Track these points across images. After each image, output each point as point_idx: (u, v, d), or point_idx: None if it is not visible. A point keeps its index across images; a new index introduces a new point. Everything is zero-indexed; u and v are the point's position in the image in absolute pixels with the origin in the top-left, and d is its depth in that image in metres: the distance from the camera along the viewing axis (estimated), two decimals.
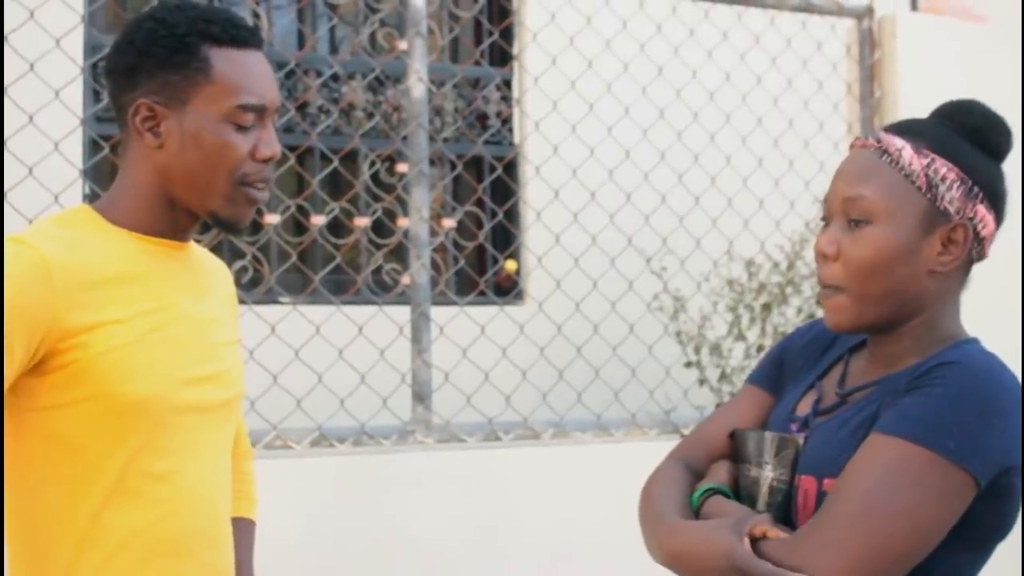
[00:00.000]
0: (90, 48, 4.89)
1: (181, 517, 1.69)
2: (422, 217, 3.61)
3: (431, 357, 3.57)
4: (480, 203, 5.87)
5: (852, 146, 1.66)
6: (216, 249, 4.90)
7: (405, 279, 4.02)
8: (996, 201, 1.61)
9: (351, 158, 5.64)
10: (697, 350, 5.44)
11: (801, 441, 1.59)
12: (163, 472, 1.67)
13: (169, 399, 1.67)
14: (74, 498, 1.64)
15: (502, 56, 6.18)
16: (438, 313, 3.72)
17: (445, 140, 5.90)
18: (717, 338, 5.50)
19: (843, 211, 1.59)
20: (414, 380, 3.56)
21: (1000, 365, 1.53)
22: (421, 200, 3.62)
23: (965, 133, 1.60)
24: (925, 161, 1.57)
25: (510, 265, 5.83)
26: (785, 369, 1.76)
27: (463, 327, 3.86)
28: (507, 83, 6.23)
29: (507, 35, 5.98)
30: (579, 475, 3.58)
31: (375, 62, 4.92)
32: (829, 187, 1.63)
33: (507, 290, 5.85)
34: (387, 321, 3.73)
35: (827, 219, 1.62)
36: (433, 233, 5.47)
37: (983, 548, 1.55)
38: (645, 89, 4.10)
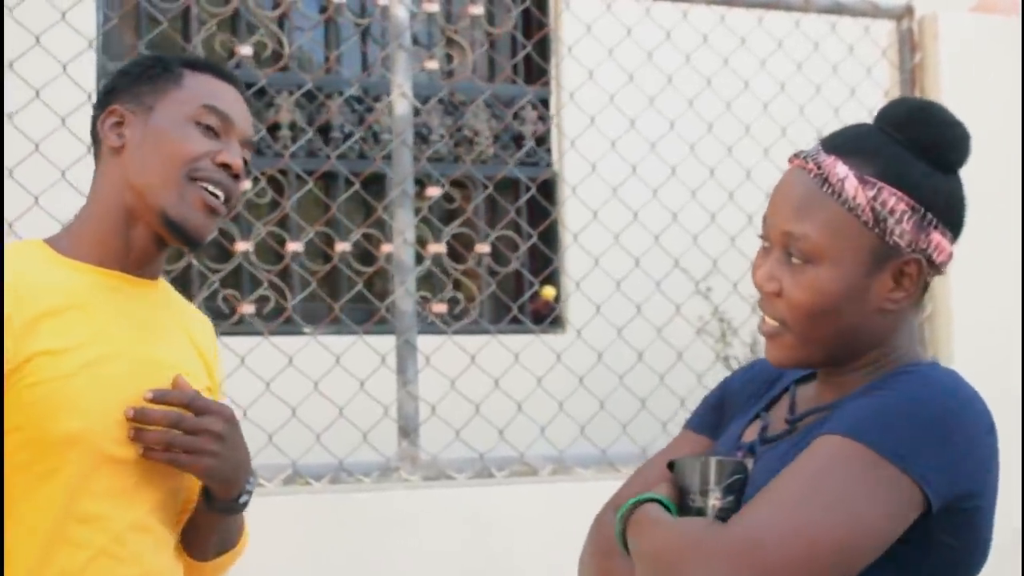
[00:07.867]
0: (102, 74, 4.84)
1: (105, 565, 1.64)
2: (406, 240, 3.49)
3: (417, 388, 3.43)
4: (516, 226, 5.74)
5: (790, 160, 1.52)
6: (184, 275, 4.80)
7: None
8: (952, 220, 1.49)
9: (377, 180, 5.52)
10: None
11: (750, 466, 1.50)
12: (89, 515, 1.64)
13: (98, 438, 1.63)
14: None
15: (537, 72, 6.07)
16: (424, 342, 3.57)
17: (483, 162, 5.82)
18: None
19: (782, 244, 1.49)
20: (399, 413, 3.42)
21: (963, 383, 1.46)
22: (405, 223, 3.50)
23: (918, 150, 1.47)
24: (871, 192, 1.45)
25: (547, 292, 5.70)
26: (725, 411, 1.70)
27: (451, 356, 3.69)
28: (544, 102, 6.10)
29: (543, 52, 5.88)
30: (581, 514, 3.40)
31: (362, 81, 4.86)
32: (767, 207, 1.52)
33: (543, 317, 5.71)
34: (368, 350, 3.60)
35: (766, 243, 1.52)
36: (462, 260, 5.40)
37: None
38: (692, 102, 3.97)
